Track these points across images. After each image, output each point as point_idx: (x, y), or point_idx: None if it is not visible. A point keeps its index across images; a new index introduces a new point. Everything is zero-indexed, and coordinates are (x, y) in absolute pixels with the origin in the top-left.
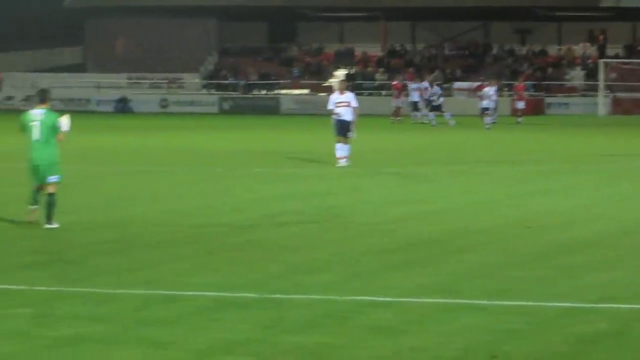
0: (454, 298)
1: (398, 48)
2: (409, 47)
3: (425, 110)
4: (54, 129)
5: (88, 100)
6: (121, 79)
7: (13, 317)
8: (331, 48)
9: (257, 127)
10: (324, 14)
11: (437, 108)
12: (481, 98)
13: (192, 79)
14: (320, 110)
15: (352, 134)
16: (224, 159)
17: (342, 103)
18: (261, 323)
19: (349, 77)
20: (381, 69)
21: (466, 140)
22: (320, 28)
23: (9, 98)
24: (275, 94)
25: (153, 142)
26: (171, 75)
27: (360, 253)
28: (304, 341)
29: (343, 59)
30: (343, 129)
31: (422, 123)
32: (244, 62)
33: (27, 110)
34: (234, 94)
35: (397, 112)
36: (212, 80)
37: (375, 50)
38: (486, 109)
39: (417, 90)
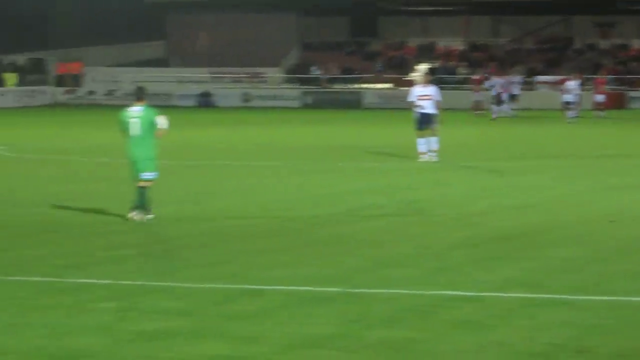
0: (539, 293)
1: (480, 42)
2: (491, 41)
3: (506, 105)
4: (152, 126)
5: (170, 95)
6: (203, 73)
7: (97, 311)
8: (413, 42)
9: (339, 122)
10: (407, 8)
11: (500, 101)
12: (563, 92)
13: (274, 74)
14: (402, 104)
15: (435, 128)
16: (306, 153)
17: (425, 96)
18: (346, 317)
19: (431, 71)
20: (463, 63)
21: (548, 134)
22: (403, 22)
23: (91, 93)
24: (357, 88)
25: (236, 136)
26: (253, 70)
27: (444, 247)
28: (388, 335)
29: (425, 53)
30: (425, 122)
31: (506, 117)
32: (326, 57)
33: (125, 107)
34: (316, 88)
35: (477, 106)
36: (294, 74)
37: (458, 45)
38: (568, 103)
39: (499, 84)
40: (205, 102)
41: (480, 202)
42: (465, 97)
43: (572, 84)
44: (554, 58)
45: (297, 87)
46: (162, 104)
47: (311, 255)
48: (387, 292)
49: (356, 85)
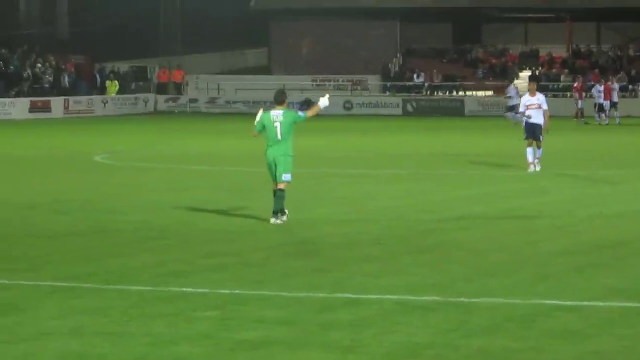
0: None
1: (583, 49)
2: (594, 48)
3: (611, 112)
4: (292, 129)
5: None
6: (305, 80)
7: (198, 319)
8: (516, 49)
9: (441, 129)
10: (509, 15)
11: (511, 108)
12: None
13: (376, 81)
14: (503, 112)
15: (542, 138)
16: (409, 161)
17: (533, 105)
18: (445, 326)
19: (534, 78)
20: (566, 70)
21: None
22: (505, 29)
23: (193, 100)
24: (459, 95)
25: (339, 144)
26: (355, 77)
27: (544, 255)
28: (488, 345)
29: (528, 60)
30: (533, 132)
31: (609, 125)
32: (428, 64)
33: (267, 110)
34: (419, 96)
35: (578, 113)
36: (396, 81)
37: (560, 51)
38: None
39: (602, 91)
40: (306, 109)
41: (582, 210)
42: (567, 104)
43: None
44: None
45: (399, 94)
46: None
47: (412, 264)
48: (487, 300)
49: (458, 93)
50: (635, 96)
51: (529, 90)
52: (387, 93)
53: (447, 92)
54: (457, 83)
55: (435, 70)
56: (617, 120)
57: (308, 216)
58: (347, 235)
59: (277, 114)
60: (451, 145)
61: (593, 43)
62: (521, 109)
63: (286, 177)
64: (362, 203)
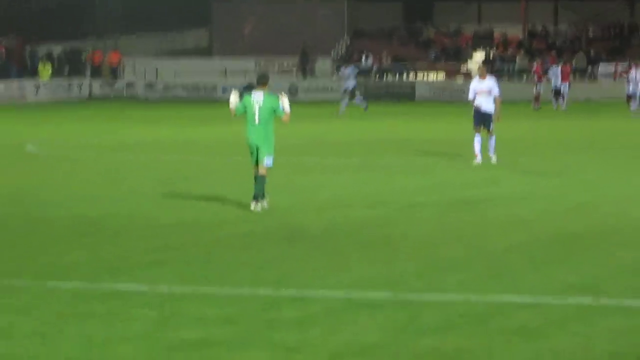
0: (600, 298)
1: (539, 29)
2: (550, 28)
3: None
4: (272, 112)
5: (214, 88)
6: (248, 63)
7: (136, 319)
8: (469, 29)
9: (390, 115)
10: None
11: (351, 93)
12: (628, 82)
13: (324, 64)
14: (456, 97)
15: (492, 126)
16: (356, 148)
17: (483, 90)
18: (395, 325)
19: (488, 60)
20: (522, 52)
21: (610, 127)
22: (458, 8)
23: (130, 85)
24: (410, 79)
25: (281, 131)
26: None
27: (499, 249)
28: (440, 344)
29: (482, 41)
30: (483, 120)
31: (564, 110)
32: (378, 45)
33: (248, 93)
34: (367, 80)
35: (537, 99)
36: (343, 64)
37: (516, 32)
38: (632, 94)
39: (559, 75)
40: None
41: (538, 201)
42: (523, 88)
43: (637, 74)
44: (618, 46)
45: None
46: (205, 97)
47: (359, 258)
48: (438, 297)
49: (409, 77)
50: (594, 78)
51: (478, 73)
52: (334, 77)
53: (397, 76)
54: (408, 65)
55: (384, 52)
56: (562, 106)
57: (248, 209)
58: (293, 228)
59: (257, 97)
60: (400, 132)
61: (550, 23)
62: (470, 96)
63: (268, 162)
64: (307, 194)
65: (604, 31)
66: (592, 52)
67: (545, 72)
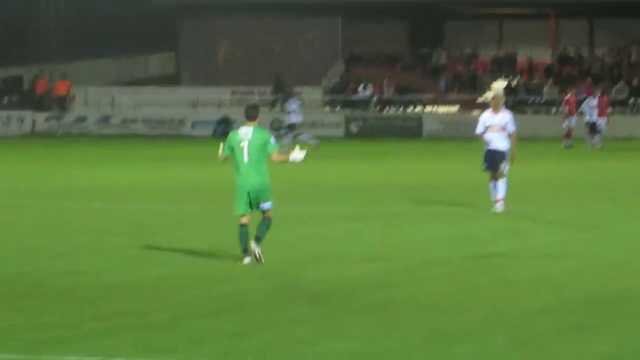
0: None
1: (572, 53)
2: (585, 51)
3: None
4: (264, 149)
5: (182, 122)
6: (223, 93)
7: None
8: (487, 53)
9: (393, 155)
10: (479, 11)
11: (291, 127)
12: None
13: (313, 94)
14: (472, 134)
15: (506, 168)
16: (354, 195)
17: (495, 126)
18: None
19: (509, 89)
20: (550, 80)
21: None
22: (474, 28)
23: (82, 119)
24: (416, 112)
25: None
26: (286, 89)
27: (521, 314)
28: None
29: (502, 67)
30: (495, 161)
31: (601, 149)
32: (378, 72)
33: (234, 129)
34: (365, 113)
35: (569, 135)
36: (337, 95)
37: (544, 56)
38: None
39: (596, 107)
40: (224, 130)
41: (567, 258)
42: (552, 123)
43: None
44: None
45: (341, 111)
46: (171, 134)
47: (356, 325)
48: None
49: (416, 109)
50: (637, 112)
51: (492, 105)
52: (327, 109)
53: (402, 108)
54: (414, 95)
55: (386, 81)
56: (598, 144)
57: (227, 265)
58: (275, 289)
59: (245, 132)
60: (405, 176)
61: (584, 45)
62: (479, 130)
63: (266, 205)
64: (297, 248)
65: None
66: (635, 81)
67: (579, 103)
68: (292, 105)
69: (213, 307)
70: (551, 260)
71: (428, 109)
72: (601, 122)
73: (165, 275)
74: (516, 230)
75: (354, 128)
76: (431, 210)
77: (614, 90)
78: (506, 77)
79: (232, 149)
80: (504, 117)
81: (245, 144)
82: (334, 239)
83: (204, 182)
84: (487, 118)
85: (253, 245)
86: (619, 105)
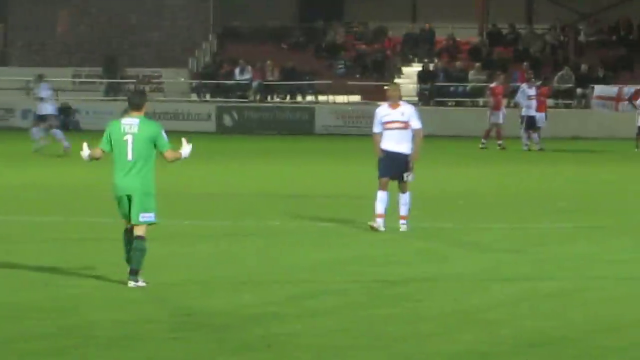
0: None
1: (505, 30)
2: (522, 28)
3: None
4: (152, 145)
5: (10, 111)
6: (63, 75)
7: None
8: (398, 29)
9: (277, 155)
10: None
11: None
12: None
13: (176, 78)
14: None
15: (410, 176)
16: (226, 206)
17: (395, 122)
18: None
19: (425, 76)
20: (477, 64)
21: (609, 177)
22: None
23: None
24: (307, 102)
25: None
26: (143, 72)
27: (441, 358)
28: None
29: (417, 46)
30: (394, 166)
31: (541, 150)
32: (259, 52)
33: (114, 120)
34: (243, 103)
35: (497, 132)
36: (207, 79)
37: (469, 34)
38: None
39: (534, 97)
40: (62, 122)
41: (497, 286)
42: (478, 117)
43: None
44: (624, 56)
45: (212, 100)
46: None
47: None
48: None
49: (306, 98)
50: (586, 106)
51: (388, 96)
52: (194, 97)
53: (288, 97)
54: (305, 82)
55: (269, 62)
56: (537, 144)
57: (71, 292)
58: (122, 325)
59: (130, 124)
60: (290, 182)
61: (521, 22)
62: (375, 128)
63: (146, 216)
64: (151, 273)
65: (601, 35)
66: (583, 66)
67: (513, 93)
68: (44, 91)
69: (50, 346)
70: (476, 289)
71: (322, 98)
72: (540, 117)
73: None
74: (430, 251)
75: (227, 121)
76: (322, 225)
77: (556, 77)
78: (420, 59)
79: (110, 144)
80: (405, 111)
81: (129, 138)
82: (200, 261)
83: (36, 185)
84: (384, 113)
85: (131, 283)
86: (563, 96)
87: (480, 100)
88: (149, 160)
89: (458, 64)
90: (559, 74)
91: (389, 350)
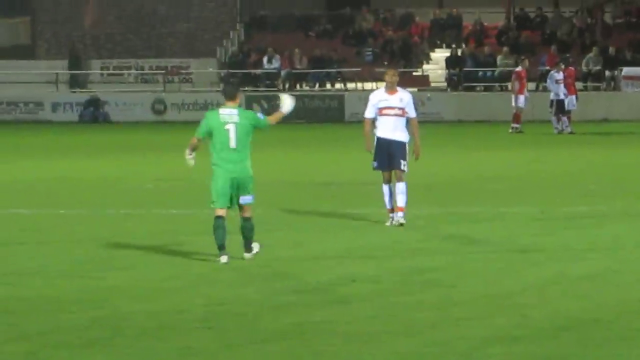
0: None
1: (532, 14)
2: (548, 12)
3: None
4: (251, 133)
5: (40, 105)
6: (92, 68)
7: None
8: (425, 15)
9: (306, 144)
10: None
11: None
12: None
13: (204, 68)
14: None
15: (405, 166)
16: (255, 194)
17: (391, 108)
18: None
19: (453, 61)
20: (505, 48)
21: (636, 160)
22: None
23: None
24: (336, 89)
25: (144, 166)
26: (171, 62)
27: (473, 343)
28: None
29: (444, 32)
30: (390, 156)
31: (572, 133)
32: (287, 40)
33: (213, 109)
34: (272, 91)
35: (516, 115)
36: (235, 69)
37: (496, 19)
38: None
39: (562, 81)
40: (93, 114)
41: (528, 271)
42: (507, 102)
43: None
44: None
45: (241, 89)
46: (26, 119)
47: (260, 358)
48: None
49: (335, 86)
50: (615, 88)
51: (386, 82)
52: (221, 86)
53: (317, 85)
54: (334, 70)
55: (297, 51)
56: (567, 127)
57: (95, 284)
58: (158, 312)
59: (229, 113)
60: (320, 169)
61: (548, 5)
62: (368, 114)
63: (247, 198)
64: (180, 265)
65: (628, 16)
66: (610, 49)
67: (542, 77)
68: None
69: (82, 337)
70: (507, 273)
71: (351, 85)
72: (570, 100)
73: (16, 296)
74: (460, 237)
75: (257, 110)
76: (352, 212)
77: (584, 60)
78: (448, 45)
79: (210, 132)
80: (404, 97)
81: (231, 127)
82: (230, 251)
83: (68, 178)
84: (379, 99)
85: (248, 256)
86: (592, 78)
87: (509, 85)
88: (249, 146)
89: (486, 48)
90: (587, 56)
91: (421, 337)
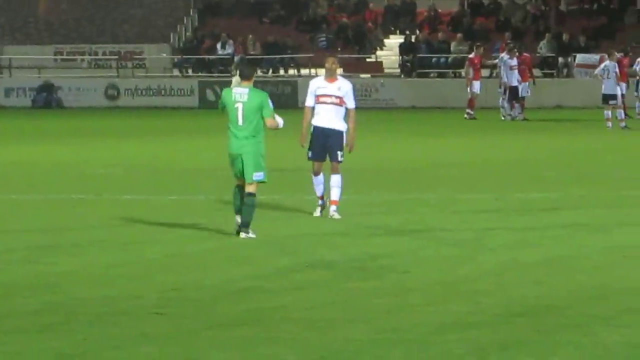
0: None
1: (486, 1)
2: None
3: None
4: (259, 113)
5: None
6: (45, 53)
7: None
8: (379, 2)
9: None
10: None
11: None
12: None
13: (158, 53)
14: (360, 103)
15: (342, 157)
16: (210, 180)
17: (329, 97)
18: None
19: (407, 47)
20: (459, 35)
21: (592, 146)
22: None
23: None
24: (290, 75)
25: (97, 153)
26: (125, 48)
27: (428, 330)
28: None
29: (397, 18)
30: (326, 146)
31: (525, 120)
32: (240, 26)
33: (228, 87)
34: (225, 77)
35: (470, 101)
36: (189, 55)
37: (450, 5)
38: (612, 96)
39: (516, 68)
40: (45, 99)
41: (483, 257)
42: (461, 88)
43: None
44: (605, 26)
45: (194, 75)
46: None
47: (214, 345)
48: None
49: (288, 72)
50: (569, 75)
51: (325, 69)
52: (176, 73)
53: (271, 71)
54: (287, 56)
55: (251, 36)
56: (517, 114)
57: (44, 269)
58: (113, 298)
59: (240, 92)
60: (276, 154)
61: None
62: (308, 102)
63: (258, 175)
64: (136, 249)
65: (582, 4)
66: (565, 36)
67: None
68: None
69: (35, 322)
70: (462, 260)
71: (304, 71)
72: (523, 87)
73: None
74: (415, 223)
75: (210, 96)
76: (303, 198)
77: (539, 47)
78: (402, 31)
79: (224, 108)
80: (342, 86)
81: (239, 106)
82: (187, 236)
83: (20, 163)
84: (317, 86)
85: (242, 234)
86: (545, 65)
87: (462, 72)
88: (259, 125)
89: (440, 35)
90: (541, 43)
91: (377, 323)
